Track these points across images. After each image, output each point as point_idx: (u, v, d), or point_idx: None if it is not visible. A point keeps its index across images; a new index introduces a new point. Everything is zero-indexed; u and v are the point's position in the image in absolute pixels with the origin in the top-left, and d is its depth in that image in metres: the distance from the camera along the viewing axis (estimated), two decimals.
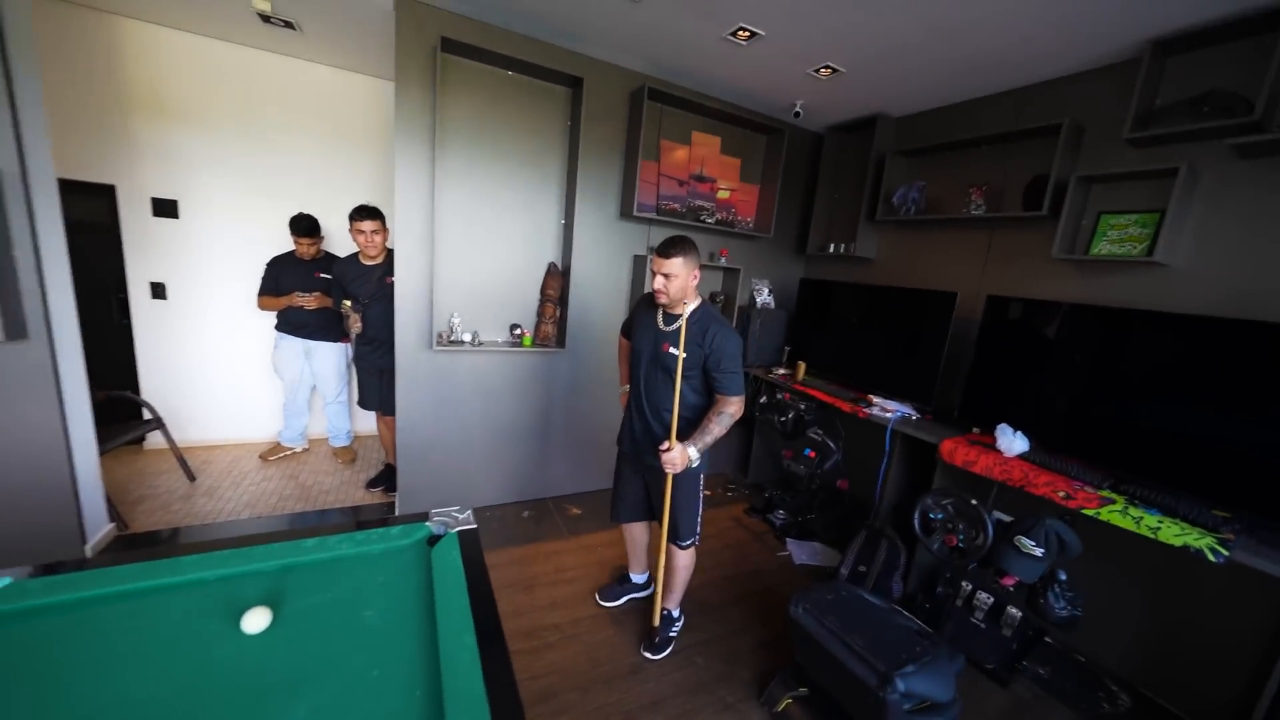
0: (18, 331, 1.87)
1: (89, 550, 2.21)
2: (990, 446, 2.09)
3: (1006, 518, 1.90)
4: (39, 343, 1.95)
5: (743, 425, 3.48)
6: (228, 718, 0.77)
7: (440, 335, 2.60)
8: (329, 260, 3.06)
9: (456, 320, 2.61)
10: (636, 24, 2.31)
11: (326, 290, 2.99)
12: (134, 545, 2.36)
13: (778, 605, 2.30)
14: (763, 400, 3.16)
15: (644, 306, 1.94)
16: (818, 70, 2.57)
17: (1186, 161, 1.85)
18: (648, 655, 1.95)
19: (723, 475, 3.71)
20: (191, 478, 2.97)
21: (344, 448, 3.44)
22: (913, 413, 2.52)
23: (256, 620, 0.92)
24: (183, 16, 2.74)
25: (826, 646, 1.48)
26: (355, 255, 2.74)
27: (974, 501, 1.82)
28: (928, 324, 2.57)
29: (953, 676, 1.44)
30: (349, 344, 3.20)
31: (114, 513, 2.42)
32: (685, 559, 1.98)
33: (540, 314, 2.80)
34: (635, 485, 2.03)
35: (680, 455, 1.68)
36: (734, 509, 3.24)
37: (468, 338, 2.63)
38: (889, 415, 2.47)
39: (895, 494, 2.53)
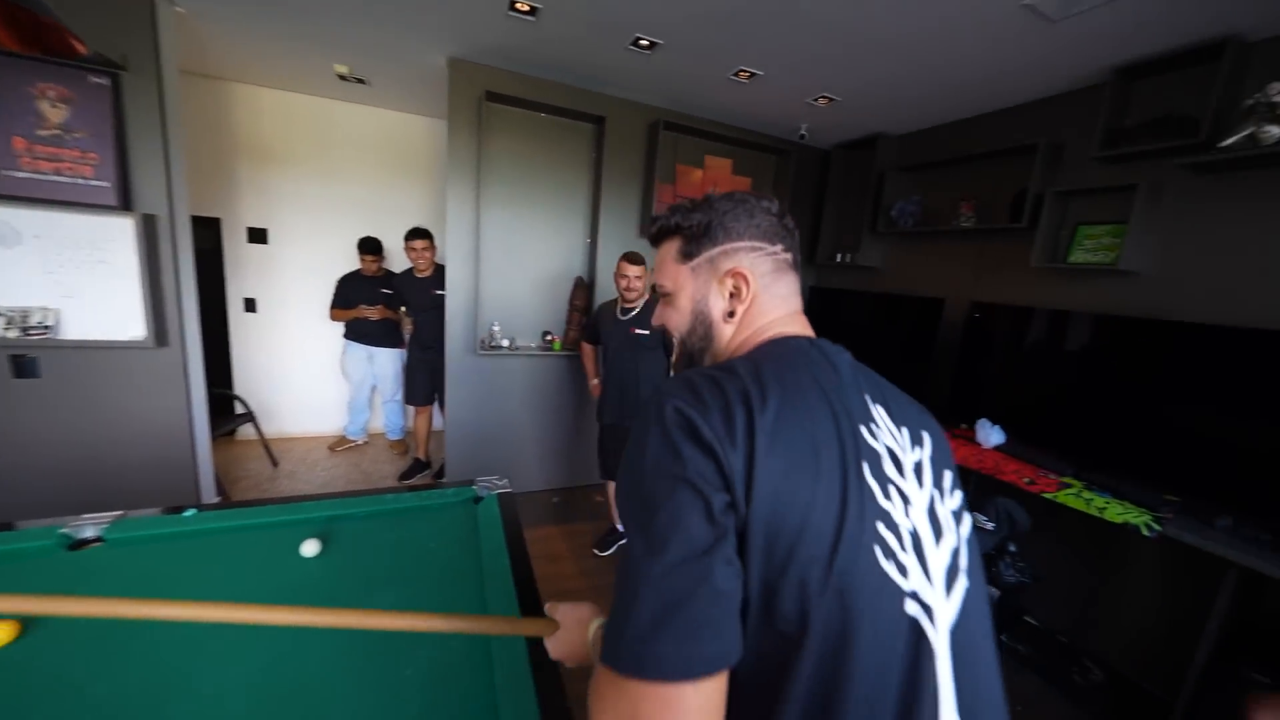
0: (164, 340, 2.39)
1: None
2: (971, 440, 2.29)
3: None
4: (176, 349, 2.46)
5: None
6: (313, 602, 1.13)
7: (483, 341, 3.01)
8: (390, 276, 3.55)
9: (496, 328, 3.02)
10: (650, 69, 2.66)
11: (388, 303, 3.47)
12: None
13: None
14: None
15: (601, 315, 2.58)
16: (816, 100, 2.85)
17: (1147, 179, 2.03)
18: (596, 551, 2.65)
19: None
20: (275, 463, 3.49)
21: (398, 440, 3.91)
22: None
23: (310, 547, 1.20)
24: (277, 78, 3.30)
25: None
26: (410, 270, 3.20)
27: None
28: (920, 328, 2.77)
29: None
30: (404, 350, 3.68)
31: (220, 488, 2.93)
32: None
33: (569, 322, 3.17)
34: (619, 448, 2.47)
35: None
36: None
37: (506, 343, 3.03)
38: None
39: None
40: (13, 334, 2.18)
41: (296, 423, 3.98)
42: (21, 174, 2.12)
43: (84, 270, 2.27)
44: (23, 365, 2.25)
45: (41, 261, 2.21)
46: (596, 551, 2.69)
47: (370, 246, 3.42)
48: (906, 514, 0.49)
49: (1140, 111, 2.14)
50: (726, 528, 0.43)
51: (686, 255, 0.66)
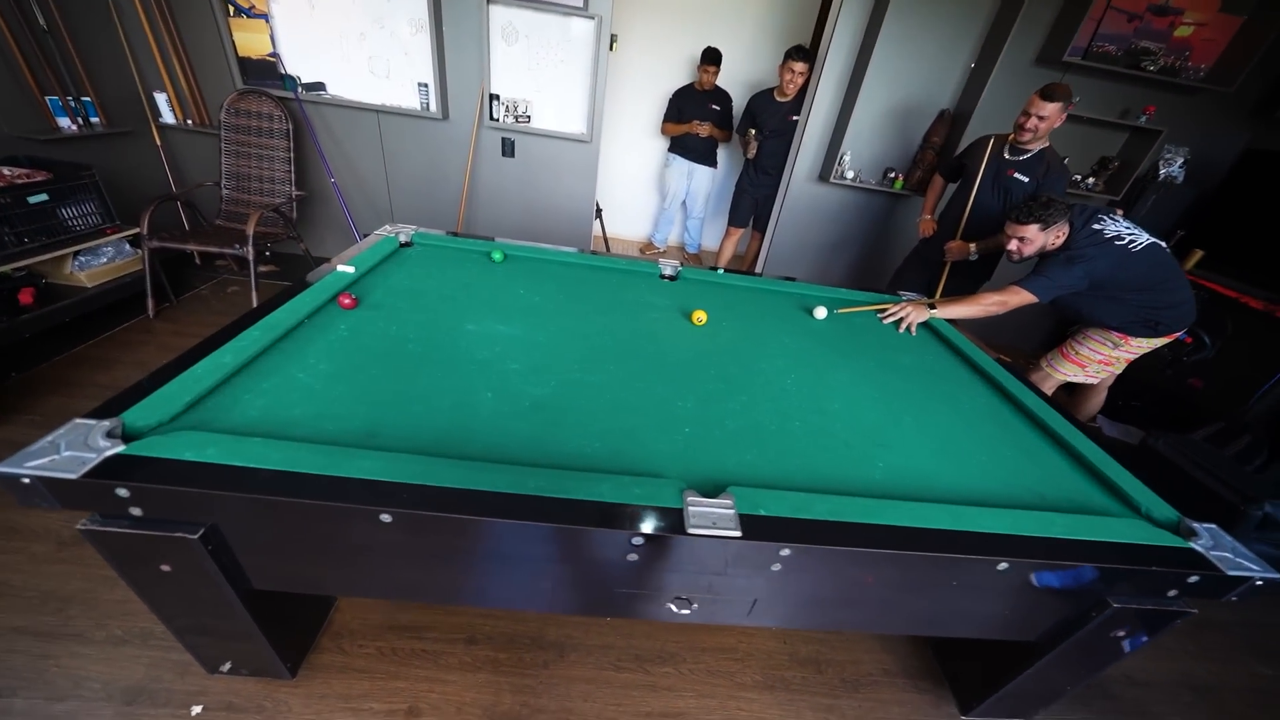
0: (590, 137, 2.98)
1: None
2: None
3: None
4: (595, 145, 3.05)
5: None
6: None
7: (831, 170, 3.07)
8: (720, 93, 3.64)
9: (847, 157, 3.04)
10: None
11: (717, 121, 3.64)
12: None
13: None
14: None
15: (974, 149, 2.29)
16: None
17: None
18: None
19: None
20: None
21: (693, 255, 4.46)
22: None
23: (821, 312, 1.77)
24: None
25: (1188, 470, 1.86)
26: (770, 91, 3.21)
27: None
28: None
29: None
30: (715, 170, 3.95)
31: None
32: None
33: (918, 161, 3.02)
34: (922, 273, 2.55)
35: (960, 246, 2.26)
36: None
37: (851, 175, 3.06)
38: None
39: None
40: (509, 120, 2.92)
41: (612, 227, 4.74)
42: None
43: (551, 69, 2.82)
44: (507, 147, 3.05)
45: (527, 59, 2.80)
46: None
47: (713, 57, 3.45)
48: None
49: None
50: None
51: None
